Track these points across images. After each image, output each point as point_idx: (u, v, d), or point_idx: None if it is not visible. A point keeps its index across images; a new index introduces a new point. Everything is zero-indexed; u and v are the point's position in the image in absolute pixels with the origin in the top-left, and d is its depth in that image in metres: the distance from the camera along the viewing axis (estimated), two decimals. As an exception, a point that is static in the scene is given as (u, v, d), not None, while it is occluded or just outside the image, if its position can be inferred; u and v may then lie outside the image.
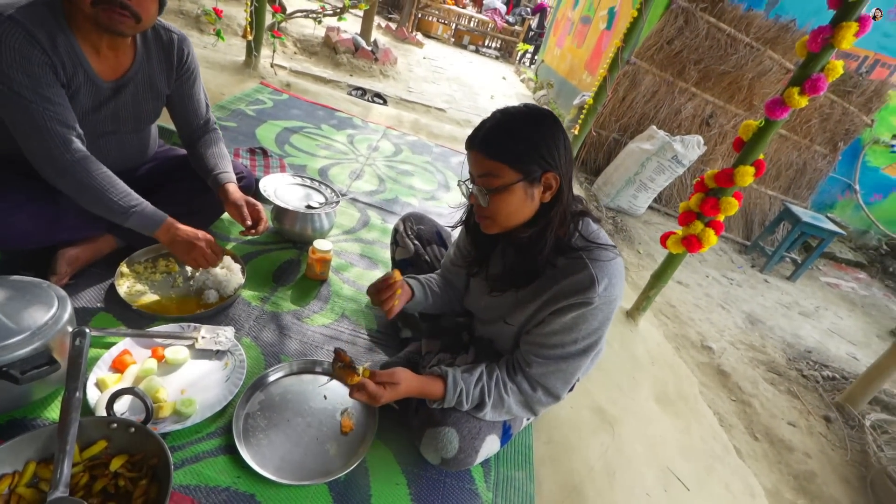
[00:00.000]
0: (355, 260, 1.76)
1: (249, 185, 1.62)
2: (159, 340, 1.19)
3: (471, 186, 0.96)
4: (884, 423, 1.97)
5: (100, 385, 1.05)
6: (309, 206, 1.66)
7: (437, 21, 8.77)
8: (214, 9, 2.95)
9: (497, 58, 9.15)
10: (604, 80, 3.19)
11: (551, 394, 1.01)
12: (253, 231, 1.37)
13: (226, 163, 1.45)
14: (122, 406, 1.01)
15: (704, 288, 3.07)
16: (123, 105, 1.26)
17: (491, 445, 1.07)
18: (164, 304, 1.31)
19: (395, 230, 1.51)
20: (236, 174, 1.54)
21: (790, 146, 4.11)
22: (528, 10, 9.36)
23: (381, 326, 1.48)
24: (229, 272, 1.42)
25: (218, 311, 1.33)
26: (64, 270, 1.22)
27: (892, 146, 4.29)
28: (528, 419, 1.19)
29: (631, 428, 1.51)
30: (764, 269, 3.73)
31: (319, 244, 1.52)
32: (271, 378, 1.19)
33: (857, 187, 4.53)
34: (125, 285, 1.30)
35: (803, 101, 1.43)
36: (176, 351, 1.16)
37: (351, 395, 0.95)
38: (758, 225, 4.26)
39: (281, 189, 1.70)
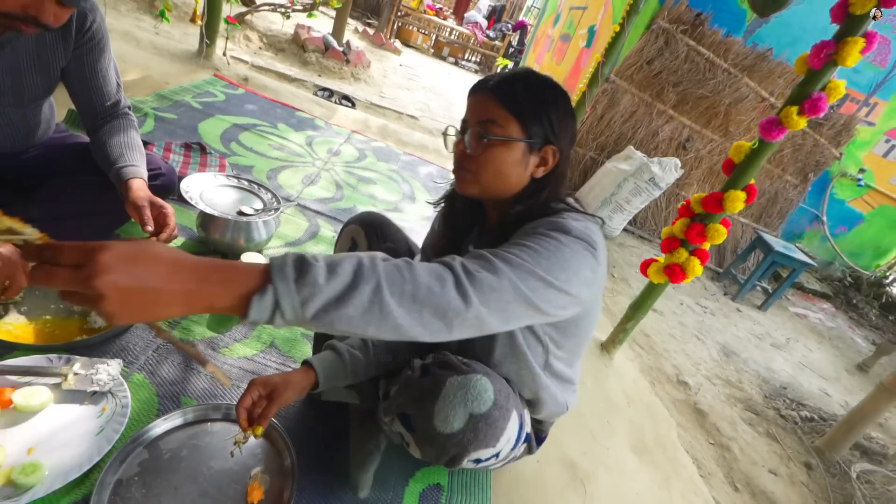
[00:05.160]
0: (297, 277, 1.51)
1: (169, 185, 1.36)
2: (12, 378, 0.91)
3: (460, 134, 0.84)
4: (869, 474, 1.85)
5: None
6: (241, 213, 1.41)
7: (418, 31, 8.65)
8: (160, -12, 2.68)
9: (476, 71, 9.10)
10: (583, 96, 3.07)
11: (476, 289, 0.61)
12: (155, 239, 1.11)
13: (135, 155, 1.19)
14: (-72, 476, 0.74)
15: (679, 316, 2.95)
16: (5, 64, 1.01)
17: (512, 428, 0.81)
18: (33, 329, 1.03)
19: (351, 240, 1.24)
20: (152, 170, 1.28)
21: (763, 174, 4.11)
22: (510, 26, 9.38)
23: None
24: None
25: (105, 337, 1.06)
26: None
27: (859, 180, 4.36)
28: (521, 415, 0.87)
29: (605, 485, 1.30)
30: (736, 297, 3.66)
31: (248, 259, 1.27)
32: (160, 429, 0.93)
33: (825, 219, 4.58)
34: (-19, 304, 1.02)
35: (802, 122, 1.30)
36: (30, 393, 0.88)
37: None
38: (730, 252, 4.22)
39: (209, 191, 1.44)
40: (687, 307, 3.16)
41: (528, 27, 9.33)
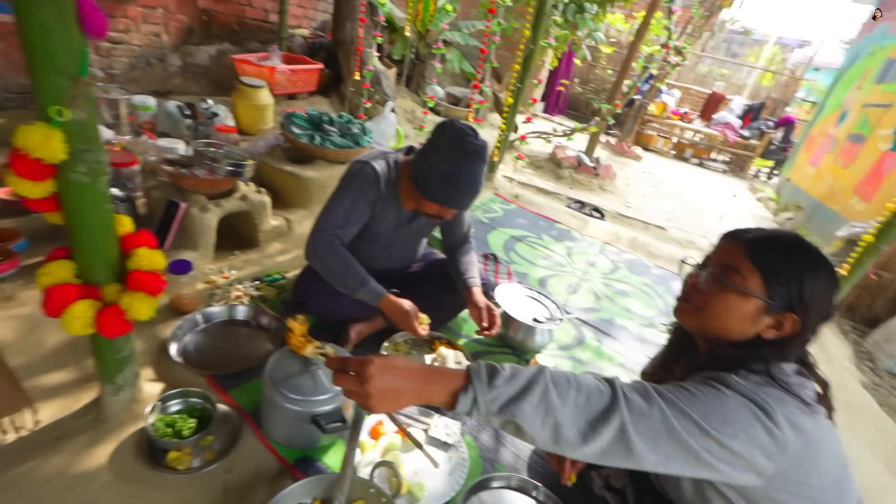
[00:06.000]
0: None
1: (487, 291, 1.83)
2: (403, 418, 1.39)
3: (698, 268, 0.87)
4: None
5: (360, 447, 1.27)
6: (535, 320, 1.76)
7: (658, 135, 8.73)
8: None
9: (725, 171, 8.44)
10: (893, 216, 2.58)
11: (628, 408, 0.69)
12: (487, 332, 1.53)
13: (474, 269, 1.70)
14: (375, 473, 1.19)
15: None
16: (414, 227, 1.64)
17: None
18: (408, 385, 1.53)
19: None
20: (481, 279, 1.77)
21: None
22: (771, 123, 8.51)
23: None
24: (460, 367, 1.59)
25: (448, 402, 1.49)
26: (352, 339, 1.58)
27: None
28: None
29: None
30: None
31: (542, 359, 1.58)
32: (489, 486, 1.24)
33: None
34: (384, 361, 1.58)
35: None
36: (416, 433, 1.33)
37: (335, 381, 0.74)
38: None
39: (512, 297, 1.86)
40: None
41: (796, 122, 8.28)
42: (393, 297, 1.47)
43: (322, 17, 4.83)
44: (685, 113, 8.96)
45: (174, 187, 1.86)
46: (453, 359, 1.60)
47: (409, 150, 1.57)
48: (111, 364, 1.13)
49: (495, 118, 5.98)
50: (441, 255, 1.90)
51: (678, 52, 4.02)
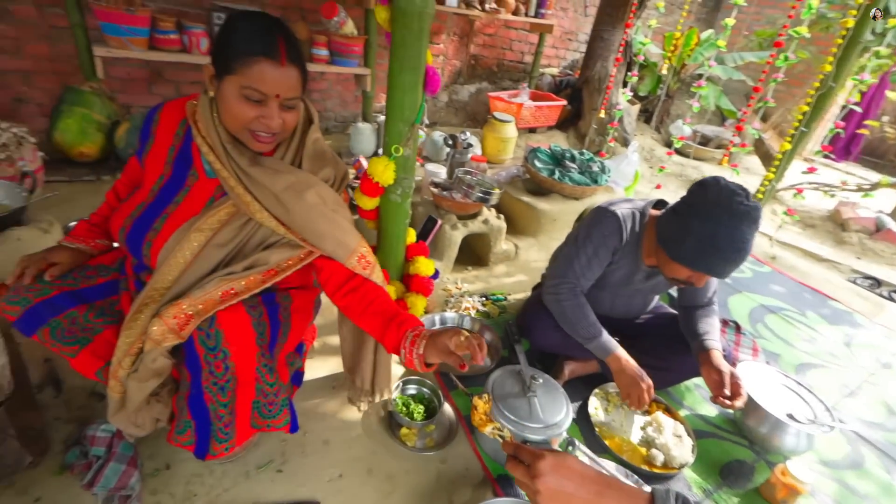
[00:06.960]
0: (830, 507, 1.35)
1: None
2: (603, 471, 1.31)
3: None
4: None
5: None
6: (791, 416, 1.43)
7: None
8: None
9: None
10: None
11: None
12: (728, 403, 1.31)
13: (715, 333, 1.49)
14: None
15: None
16: (650, 284, 1.55)
17: None
18: (613, 440, 1.44)
19: None
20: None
21: None
22: None
23: None
24: (680, 442, 1.41)
25: (659, 477, 1.34)
26: (565, 375, 1.58)
27: None
28: None
29: None
30: None
31: (796, 469, 1.27)
32: None
33: None
34: (592, 405, 1.53)
35: None
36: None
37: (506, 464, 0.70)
38: None
39: (759, 380, 1.55)
40: None
41: None
42: (624, 359, 1.42)
43: (573, 56, 5.04)
44: None
45: (434, 205, 2.22)
46: (671, 430, 1.43)
47: (660, 203, 1.49)
48: (378, 342, 1.42)
49: (753, 162, 5.12)
50: (672, 311, 1.73)
51: None
